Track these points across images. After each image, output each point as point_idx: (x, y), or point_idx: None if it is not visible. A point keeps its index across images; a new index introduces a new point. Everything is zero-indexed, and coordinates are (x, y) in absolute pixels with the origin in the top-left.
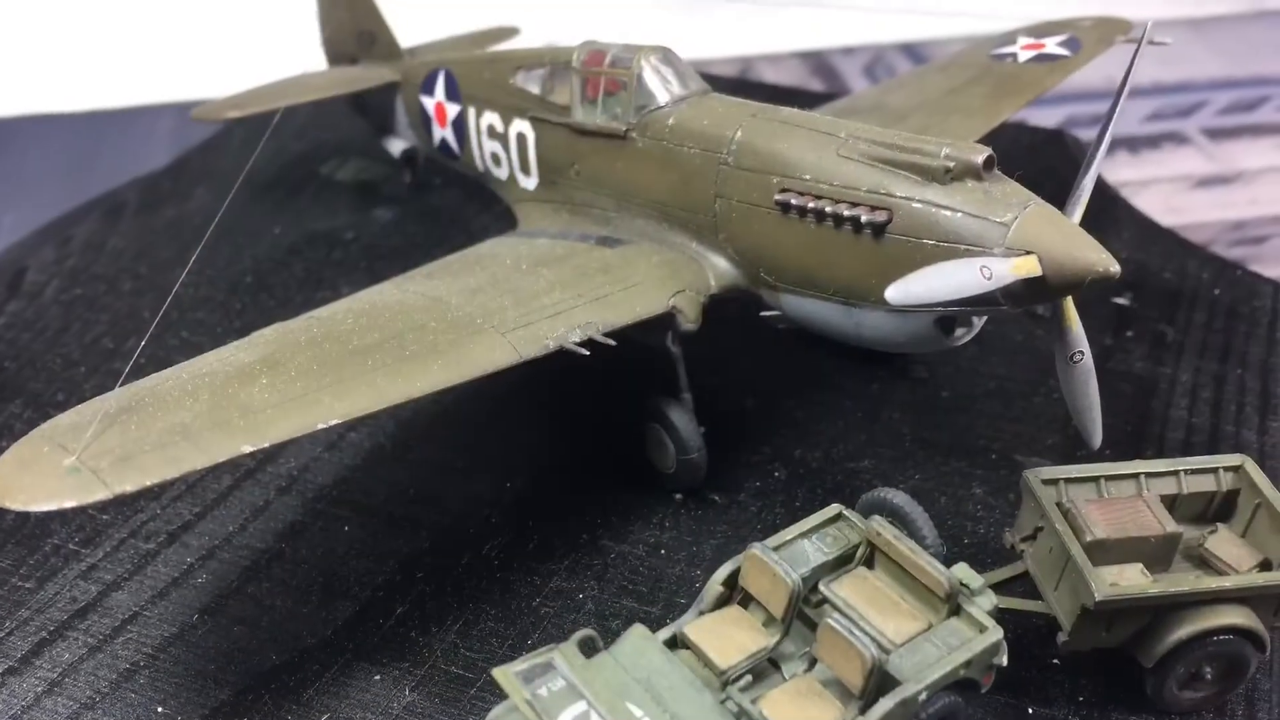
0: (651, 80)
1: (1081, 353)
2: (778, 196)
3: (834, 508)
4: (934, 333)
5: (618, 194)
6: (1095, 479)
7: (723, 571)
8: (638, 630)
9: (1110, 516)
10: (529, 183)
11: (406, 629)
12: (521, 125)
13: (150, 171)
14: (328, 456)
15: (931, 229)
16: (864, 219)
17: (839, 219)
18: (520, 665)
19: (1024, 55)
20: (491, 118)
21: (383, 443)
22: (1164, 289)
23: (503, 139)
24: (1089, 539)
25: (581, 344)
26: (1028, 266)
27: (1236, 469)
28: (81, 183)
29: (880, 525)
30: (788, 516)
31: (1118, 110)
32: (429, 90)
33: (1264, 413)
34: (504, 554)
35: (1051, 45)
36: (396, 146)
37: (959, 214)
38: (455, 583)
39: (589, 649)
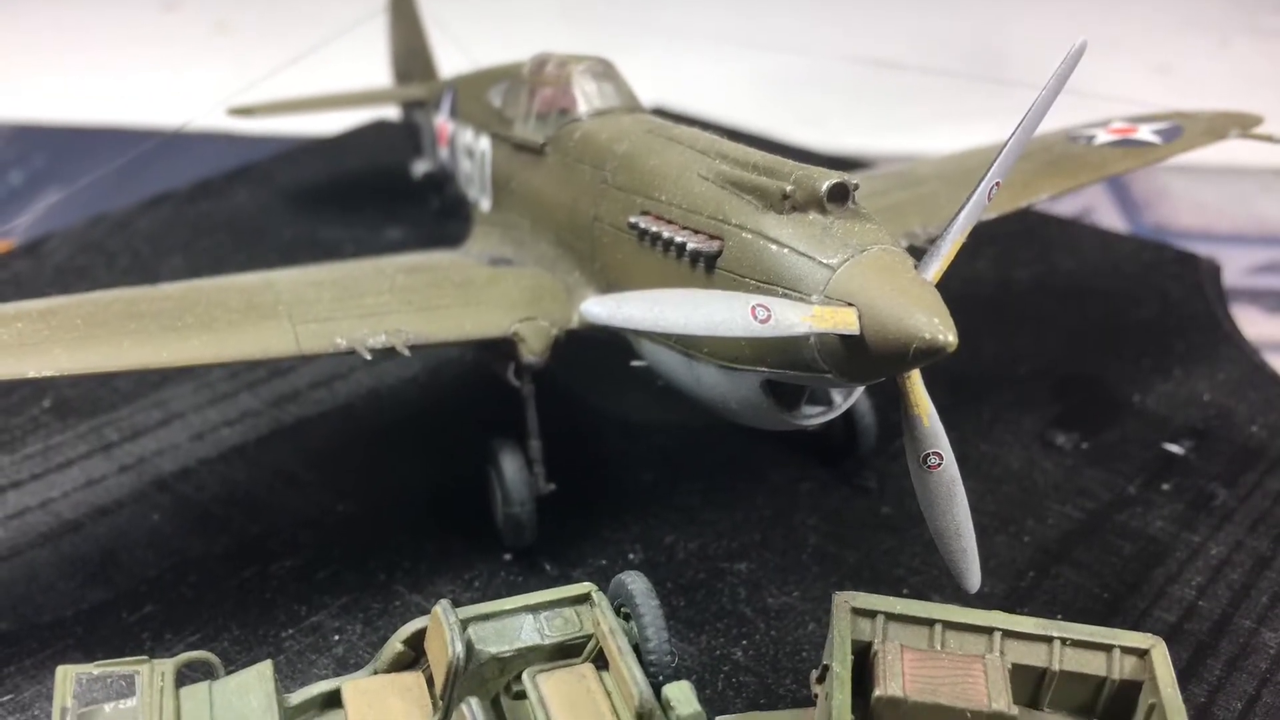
0: (576, 90)
1: (939, 456)
2: (631, 219)
3: (585, 586)
4: (764, 401)
5: (532, 215)
6: (931, 622)
7: (408, 628)
8: (259, 668)
9: (924, 672)
10: (485, 204)
11: (141, 628)
12: (484, 142)
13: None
14: (188, 446)
15: (755, 264)
16: (696, 248)
17: (680, 248)
18: (94, 669)
19: (1103, 138)
20: (468, 135)
21: (249, 442)
22: (1239, 445)
23: (472, 156)
24: (879, 694)
25: (380, 350)
26: (837, 319)
27: (1142, 654)
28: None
29: (603, 615)
30: None
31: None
32: (438, 108)
33: None
34: (288, 576)
35: (1144, 131)
36: (420, 169)
37: (785, 249)
38: (220, 593)
39: (203, 673)
